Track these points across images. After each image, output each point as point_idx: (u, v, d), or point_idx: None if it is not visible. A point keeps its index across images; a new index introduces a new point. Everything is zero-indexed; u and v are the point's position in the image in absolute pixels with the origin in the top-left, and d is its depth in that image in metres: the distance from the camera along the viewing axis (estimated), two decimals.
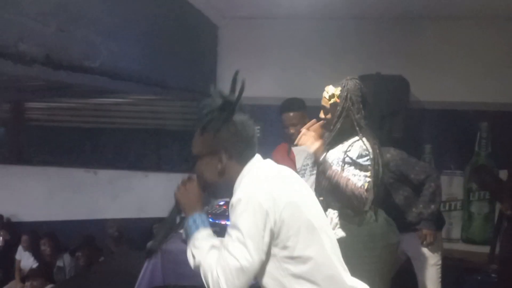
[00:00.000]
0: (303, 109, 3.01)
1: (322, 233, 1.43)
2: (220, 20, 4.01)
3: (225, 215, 2.92)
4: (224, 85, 3.91)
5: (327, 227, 1.52)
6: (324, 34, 3.85)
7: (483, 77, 3.71)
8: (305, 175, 2.89)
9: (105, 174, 4.79)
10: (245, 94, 3.90)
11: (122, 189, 4.65)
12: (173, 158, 4.87)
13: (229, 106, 1.48)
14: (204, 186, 1.56)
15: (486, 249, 3.42)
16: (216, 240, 1.46)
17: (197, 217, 1.52)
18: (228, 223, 2.59)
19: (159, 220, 4.23)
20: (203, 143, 1.52)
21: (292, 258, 1.37)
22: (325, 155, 2.32)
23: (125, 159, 5.03)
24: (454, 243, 3.88)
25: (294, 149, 2.95)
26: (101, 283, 3.63)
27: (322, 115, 2.36)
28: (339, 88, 2.27)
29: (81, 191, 4.75)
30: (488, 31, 3.74)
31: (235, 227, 1.37)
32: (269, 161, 1.58)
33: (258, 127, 3.86)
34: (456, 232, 3.93)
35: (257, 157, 1.54)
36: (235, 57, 3.90)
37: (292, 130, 2.93)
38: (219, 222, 2.84)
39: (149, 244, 1.55)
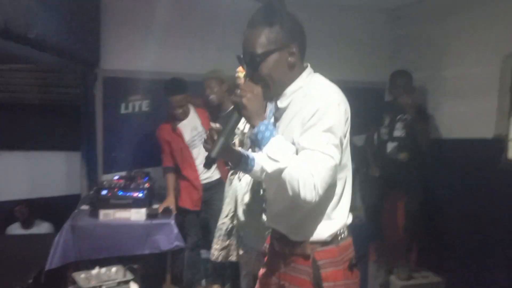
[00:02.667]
0: (186, 90, 3.35)
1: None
2: None
3: (130, 187, 3.11)
4: (108, 56, 3.89)
5: None
6: (210, 9, 3.86)
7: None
8: (197, 144, 3.25)
9: None
10: (131, 67, 3.96)
11: None
12: (31, 135, 4.35)
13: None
14: (268, 89, 1.49)
15: None
16: (292, 146, 1.42)
17: (268, 123, 1.42)
18: (139, 195, 2.83)
19: (18, 203, 4.14)
20: (269, 38, 1.43)
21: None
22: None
23: None
24: None
25: (179, 125, 3.37)
26: None
27: None
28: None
29: None
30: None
31: (327, 130, 1.38)
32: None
33: (147, 101, 4.05)
34: None
35: (310, 67, 1.56)
36: (120, 28, 3.79)
37: (179, 110, 3.23)
38: (131, 194, 3.02)
39: (209, 153, 1.44)
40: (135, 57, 3.88)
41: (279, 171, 1.37)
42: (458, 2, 3.42)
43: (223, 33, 3.86)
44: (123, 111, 3.99)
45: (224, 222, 2.86)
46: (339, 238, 1.56)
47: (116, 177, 3.54)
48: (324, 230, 1.54)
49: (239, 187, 2.74)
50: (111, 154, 3.99)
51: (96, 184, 3.54)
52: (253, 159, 1.70)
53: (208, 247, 3.58)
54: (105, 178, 3.69)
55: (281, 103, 1.54)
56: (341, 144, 1.43)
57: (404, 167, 3.51)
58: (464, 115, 3.36)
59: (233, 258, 2.87)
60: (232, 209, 2.82)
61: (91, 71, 3.83)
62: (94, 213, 3.08)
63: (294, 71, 1.50)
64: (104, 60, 3.89)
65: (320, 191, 1.36)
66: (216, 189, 3.41)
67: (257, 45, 1.44)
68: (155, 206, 3.33)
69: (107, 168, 3.97)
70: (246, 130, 2.71)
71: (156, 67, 3.88)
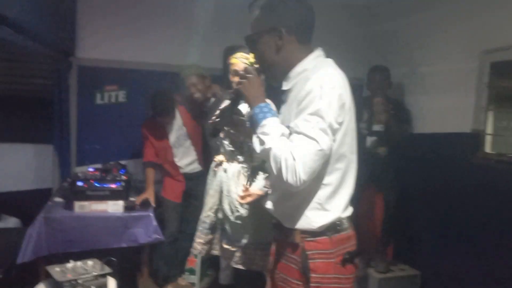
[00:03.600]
0: (174, 106, 3.36)
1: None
2: None
3: (107, 179, 3.02)
4: (83, 45, 3.78)
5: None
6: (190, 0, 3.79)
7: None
8: (180, 145, 3.21)
9: None
10: (108, 57, 3.88)
11: None
12: None
13: None
14: (264, 68, 1.58)
15: None
16: (285, 128, 1.45)
17: (264, 106, 1.50)
18: (117, 186, 2.76)
19: None
20: (258, 21, 1.53)
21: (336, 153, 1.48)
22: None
23: None
24: None
25: (168, 127, 3.35)
26: None
27: (234, 79, 2.53)
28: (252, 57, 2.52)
29: None
30: None
31: (315, 113, 1.39)
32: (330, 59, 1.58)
33: (124, 92, 3.98)
34: None
35: (321, 50, 1.58)
36: (98, 17, 3.68)
37: (168, 122, 3.34)
38: (108, 186, 2.93)
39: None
40: (112, 47, 3.79)
41: (266, 152, 1.42)
42: (432, 3, 3.47)
43: (202, 24, 3.83)
44: (98, 101, 3.88)
45: (208, 215, 2.78)
46: (334, 230, 1.53)
47: (90, 169, 3.43)
48: (316, 220, 1.51)
49: (225, 178, 2.68)
50: (85, 146, 3.88)
51: (70, 176, 3.42)
52: (264, 116, 1.63)
53: (187, 239, 3.54)
54: (79, 170, 3.57)
55: (285, 86, 1.59)
56: (332, 129, 1.42)
57: (382, 161, 3.54)
58: (442, 110, 3.42)
59: (215, 252, 2.80)
60: (217, 202, 2.74)
61: (66, 59, 3.69)
62: (68, 205, 2.98)
63: (288, 55, 1.53)
64: (80, 49, 3.77)
65: (303, 176, 1.36)
66: (198, 180, 3.36)
67: (251, 27, 1.56)
68: (133, 199, 3.24)
69: (81, 160, 3.85)
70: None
71: (134, 57, 3.82)
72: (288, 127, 1.46)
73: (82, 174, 3.17)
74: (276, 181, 1.47)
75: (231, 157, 2.68)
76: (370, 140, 3.55)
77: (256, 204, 2.48)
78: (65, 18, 3.48)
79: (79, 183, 2.97)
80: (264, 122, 1.46)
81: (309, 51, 1.56)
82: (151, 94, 3.30)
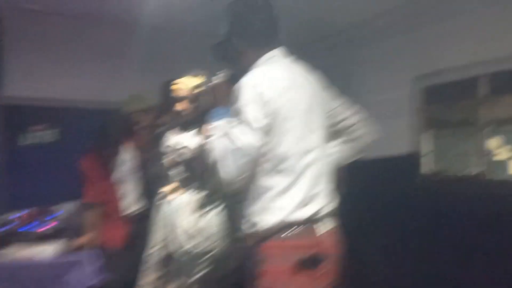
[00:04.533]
0: (118, 135, 3.10)
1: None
2: (4, 9, 3.56)
3: (34, 224, 2.79)
4: (11, 79, 3.56)
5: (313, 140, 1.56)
6: (120, 37, 3.76)
7: None
8: (127, 177, 3.03)
9: None
10: (40, 95, 3.67)
11: None
12: None
13: None
14: (236, 74, 1.62)
15: None
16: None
17: (218, 110, 1.59)
18: (45, 230, 2.51)
19: None
20: (222, 32, 1.65)
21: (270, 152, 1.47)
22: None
23: None
24: None
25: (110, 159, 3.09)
26: None
27: (179, 106, 2.49)
28: (197, 78, 2.43)
29: None
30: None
31: (234, 113, 1.46)
32: (286, 60, 1.65)
33: (56, 130, 3.75)
34: None
35: (278, 51, 1.63)
36: (26, 54, 3.50)
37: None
38: (34, 230, 2.69)
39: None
40: (41, 84, 3.59)
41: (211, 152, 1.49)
42: (367, 35, 3.65)
43: (135, 58, 3.76)
44: (26, 142, 3.62)
45: (151, 253, 2.58)
46: (284, 233, 1.46)
47: (16, 215, 3.12)
48: (263, 223, 1.47)
49: (170, 211, 2.52)
50: (12, 190, 3.56)
51: None
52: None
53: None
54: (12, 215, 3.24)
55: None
56: (252, 127, 1.42)
57: None
58: (380, 135, 3.50)
59: None
60: (162, 237, 2.56)
61: None
62: None
63: (244, 60, 1.62)
64: (6, 87, 3.53)
65: (225, 175, 1.43)
66: (145, 222, 3.15)
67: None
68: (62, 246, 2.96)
69: (6, 207, 3.52)
70: (182, 145, 2.54)
71: (66, 95, 3.64)
72: None
73: (2, 220, 2.87)
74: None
75: (177, 188, 2.55)
76: None
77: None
78: None
79: (2, 229, 2.69)
80: (213, 124, 1.55)
81: (260, 56, 1.61)
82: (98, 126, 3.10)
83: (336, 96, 1.73)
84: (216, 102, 1.69)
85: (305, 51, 4.05)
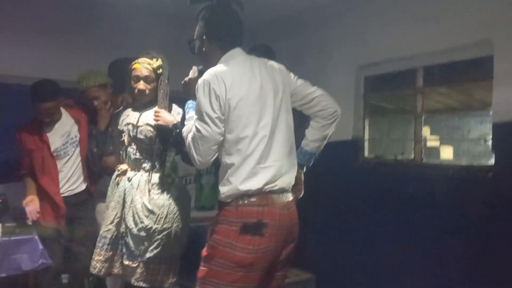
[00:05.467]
0: (60, 95, 2.96)
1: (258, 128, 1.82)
2: None
3: None
4: None
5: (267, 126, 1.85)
6: (70, 12, 3.66)
7: None
8: (65, 154, 2.94)
9: None
10: None
11: None
12: None
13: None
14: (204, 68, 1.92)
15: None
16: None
17: (191, 102, 1.98)
18: None
19: None
20: (196, 29, 1.97)
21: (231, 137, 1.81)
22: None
23: None
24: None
25: (47, 131, 3.00)
26: None
27: (143, 86, 2.53)
28: (158, 59, 2.52)
29: None
30: None
31: (196, 105, 1.82)
32: (243, 57, 1.92)
33: None
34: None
35: (237, 51, 1.91)
36: None
37: (47, 119, 2.91)
38: None
39: None
40: None
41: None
42: (318, 21, 3.82)
43: (81, 37, 3.72)
44: None
45: (109, 229, 2.55)
46: (239, 202, 1.78)
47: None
48: (223, 191, 1.83)
49: (129, 187, 2.52)
50: None
51: None
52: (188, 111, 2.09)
53: (70, 271, 3.22)
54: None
55: None
56: (210, 117, 1.76)
57: None
58: None
59: (115, 270, 2.58)
60: (119, 214, 2.55)
61: None
62: None
63: (214, 59, 1.90)
64: None
65: (196, 157, 1.81)
66: (84, 206, 3.07)
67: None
68: (10, 224, 2.85)
69: None
70: (140, 124, 2.55)
71: (7, 70, 3.45)
72: None
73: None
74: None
75: (136, 166, 2.57)
76: None
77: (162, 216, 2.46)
78: None
79: None
80: (188, 115, 1.91)
81: (222, 55, 1.90)
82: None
83: (297, 78, 2.03)
84: (189, 95, 2.06)
85: (255, 36, 4.27)
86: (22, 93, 3.39)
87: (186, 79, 2.08)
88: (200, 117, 1.78)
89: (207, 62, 1.93)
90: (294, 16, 3.90)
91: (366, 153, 3.49)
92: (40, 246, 2.69)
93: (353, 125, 3.50)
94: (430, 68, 3.10)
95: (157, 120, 2.43)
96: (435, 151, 3.24)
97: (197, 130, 1.78)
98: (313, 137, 2.05)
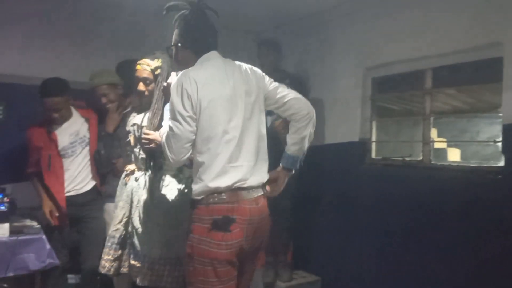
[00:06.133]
0: (67, 92, 2.99)
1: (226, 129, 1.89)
2: None
3: None
4: None
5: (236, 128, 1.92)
6: (79, 13, 3.66)
7: None
8: (72, 153, 2.95)
9: None
10: None
11: None
12: None
13: (177, 8, 2.00)
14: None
15: None
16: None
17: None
18: (1, 208, 2.42)
19: None
20: (173, 36, 2.04)
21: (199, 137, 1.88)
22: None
23: None
24: None
25: (56, 129, 3.02)
26: None
27: (143, 87, 2.51)
28: (158, 60, 2.46)
29: None
30: None
31: (170, 105, 1.89)
32: (218, 60, 2.00)
33: (1, 107, 3.56)
34: None
35: (212, 54, 2.00)
36: None
37: (55, 115, 2.93)
38: None
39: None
40: None
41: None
42: (325, 23, 3.82)
43: (90, 38, 3.72)
44: None
45: (117, 228, 2.56)
46: (209, 200, 1.86)
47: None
48: (194, 189, 1.90)
49: (136, 187, 2.52)
50: None
51: None
52: None
53: (77, 271, 3.21)
54: None
55: None
56: (182, 116, 1.83)
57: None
58: (333, 122, 3.71)
59: (124, 269, 2.58)
60: (127, 214, 2.55)
61: None
62: None
63: (188, 62, 1.99)
64: None
65: (170, 155, 1.87)
66: (91, 205, 3.08)
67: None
68: (18, 224, 2.85)
69: None
70: (144, 123, 2.55)
71: (12, 70, 3.44)
72: None
73: None
74: None
75: (142, 166, 2.56)
76: (270, 119, 3.46)
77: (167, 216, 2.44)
78: None
79: None
80: (166, 118, 1.96)
81: (196, 61, 1.99)
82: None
83: (271, 82, 2.08)
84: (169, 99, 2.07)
85: (262, 38, 4.26)
86: (31, 94, 3.43)
87: (165, 83, 2.17)
88: (173, 116, 1.86)
89: (184, 67, 1.98)
90: (300, 18, 3.90)
91: (373, 155, 3.48)
92: (48, 246, 2.69)
93: (360, 126, 3.49)
94: (439, 69, 3.08)
95: (149, 144, 2.32)
96: (442, 153, 3.23)
97: (170, 128, 1.85)
98: (292, 141, 2.09)
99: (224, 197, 1.85)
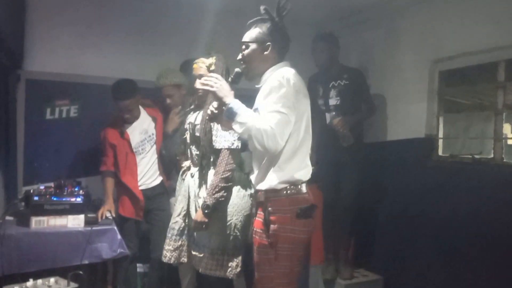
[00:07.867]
0: (138, 93, 3.15)
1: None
2: None
3: (64, 194, 2.87)
4: (33, 57, 3.52)
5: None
6: (147, 13, 3.78)
7: None
8: (143, 150, 3.09)
9: None
10: (59, 70, 3.64)
11: None
12: None
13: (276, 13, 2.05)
14: (246, 67, 2.09)
15: None
16: (255, 113, 1.95)
17: (236, 102, 1.95)
18: (77, 199, 2.59)
19: None
20: (251, 34, 2.08)
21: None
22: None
23: None
24: None
25: (128, 128, 3.19)
26: None
27: (198, 84, 2.63)
28: (213, 57, 2.60)
29: None
30: None
31: (281, 96, 1.89)
32: None
33: (76, 107, 3.77)
34: None
35: (287, 63, 2.10)
36: (48, 29, 3.51)
37: (128, 115, 3.08)
38: (67, 199, 2.78)
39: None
40: (63, 60, 3.62)
41: (248, 130, 1.87)
42: (389, 14, 3.70)
43: (159, 37, 3.84)
44: (48, 116, 3.67)
45: (176, 221, 2.73)
46: (290, 190, 1.96)
47: (42, 187, 3.19)
48: (275, 179, 1.96)
49: (192, 183, 2.65)
50: (33, 164, 3.62)
51: (16, 197, 3.17)
52: (239, 108, 2.02)
53: (144, 261, 3.39)
54: (26, 189, 3.31)
55: (258, 84, 2.11)
56: (290, 107, 1.90)
57: (343, 152, 3.42)
58: (397, 118, 3.59)
59: (184, 259, 2.72)
60: (185, 207, 2.70)
61: (13, 72, 3.47)
62: (23, 222, 2.75)
63: (267, 61, 2.07)
64: (28, 61, 3.56)
65: (280, 140, 1.87)
66: (159, 199, 3.25)
67: (245, 36, 2.12)
68: (92, 215, 3.05)
69: (29, 179, 3.58)
70: (197, 122, 2.65)
71: (87, 71, 3.66)
72: (256, 110, 1.97)
73: (35, 190, 2.95)
74: (259, 151, 1.90)
75: (197, 162, 2.67)
76: (329, 116, 3.45)
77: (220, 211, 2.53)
78: (13, 29, 3.29)
79: (36, 198, 2.76)
80: (240, 111, 1.90)
81: (279, 62, 2.09)
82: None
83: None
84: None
85: (325, 31, 4.19)
86: (103, 94, 3.64)
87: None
88: (287, 105, 1.89)
89: (255, 64, 2.08)
90: (365, 9, 3.79)
91: (440, 152, 3.33)
92: (119, 236, 2.86)
93: (426, 122, 3.35)
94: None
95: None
96: None
97: (286, 114, 1.88)
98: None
99: (301, 188, 1.99)
